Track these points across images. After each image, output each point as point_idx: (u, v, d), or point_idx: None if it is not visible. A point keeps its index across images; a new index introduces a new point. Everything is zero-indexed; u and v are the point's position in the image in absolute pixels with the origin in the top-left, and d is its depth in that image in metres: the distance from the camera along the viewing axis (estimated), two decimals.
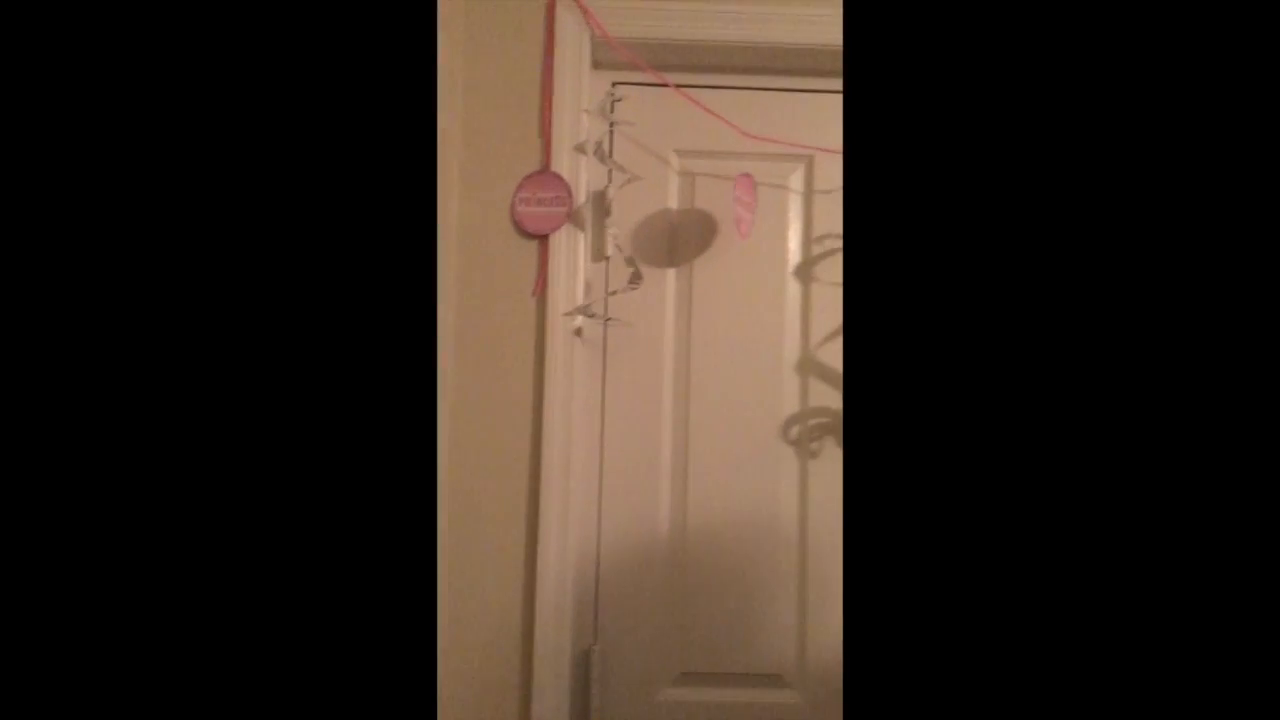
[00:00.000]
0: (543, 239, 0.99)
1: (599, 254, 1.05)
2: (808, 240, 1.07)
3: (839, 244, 1.06)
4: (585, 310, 0.99)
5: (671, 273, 1.07)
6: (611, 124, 1.05)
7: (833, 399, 1.06)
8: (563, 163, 0.99)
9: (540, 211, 0.98)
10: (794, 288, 1.07)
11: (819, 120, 1.07)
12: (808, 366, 1.06)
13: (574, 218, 0.99)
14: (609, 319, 1.04)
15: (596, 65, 1.04)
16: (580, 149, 1.00)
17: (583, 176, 1.01)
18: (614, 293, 1.04)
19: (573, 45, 0.99)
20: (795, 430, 1.05)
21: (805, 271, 1.07)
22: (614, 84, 1.05)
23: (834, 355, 1.06)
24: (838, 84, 1.07)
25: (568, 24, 0.99)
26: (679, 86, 1.03)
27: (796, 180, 1.07)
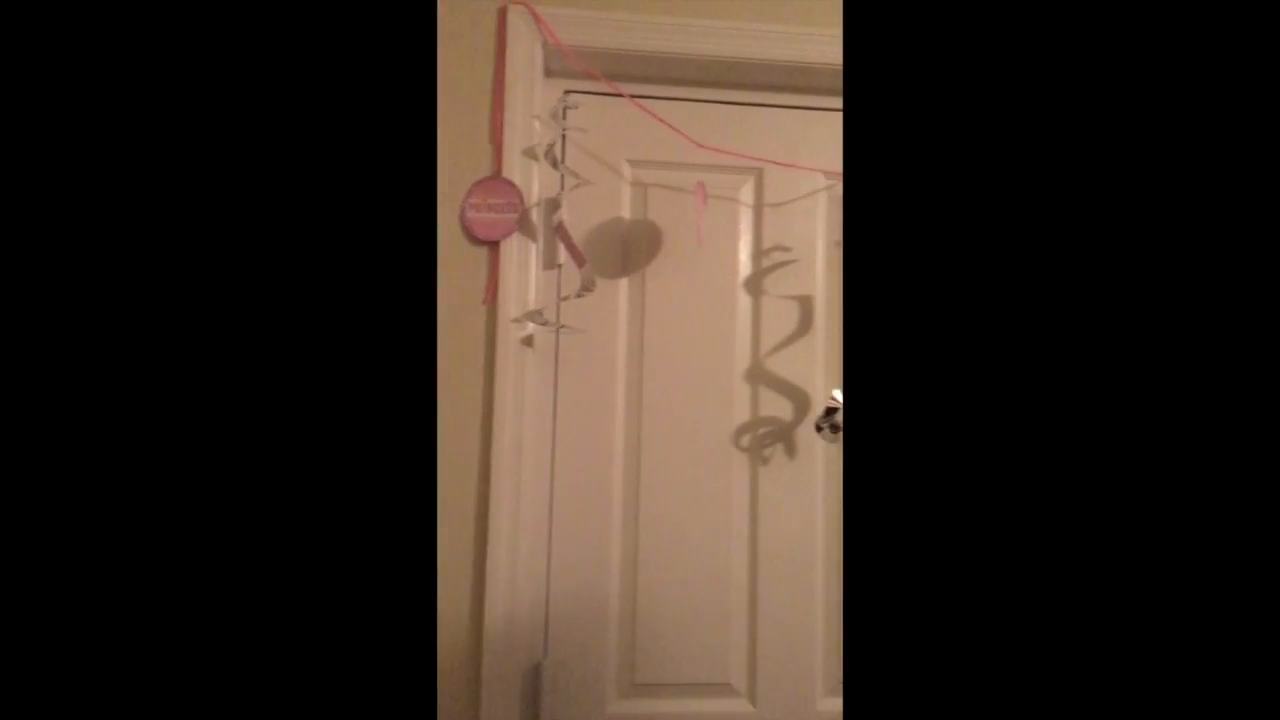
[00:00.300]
0: (493, 245, 0.97)
1: (550, 262, 1.04)
2: (758, 252, 1.09)
3: (788, 257, 1.09)
4: (536, 317, 0.98)
5: (624, 282, 1.07)
6: (564, 131, 1.04)
7: (782, 408, 1.07)
8: (514, 170, 0.98)
9: (490, 218, 0.97)
10: (744, 299, 1.08)
11: (769, 134, 1.09)
12: (758, 376, 1.07)
13: (525, 225, 0.98)
14: (561, 326, 1.03)
15: (549, 73, 1.03)
16: (531, 154, 0.99)
17: (534, 184, 1.00)
18: (566, 298, 1.03)
19: (524, 52, 0.98)
20: (747, 439, 1.06)
21: (755, 283, 1.08)
22: (566, 92, 1.04)
23: (782, 365, 1.07)
24: (788, 98, 1.09)
25: (519, 30, 0.98)
26: (632, 96, 1.03)
27: (746, 193, 1.09)
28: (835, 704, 1.04)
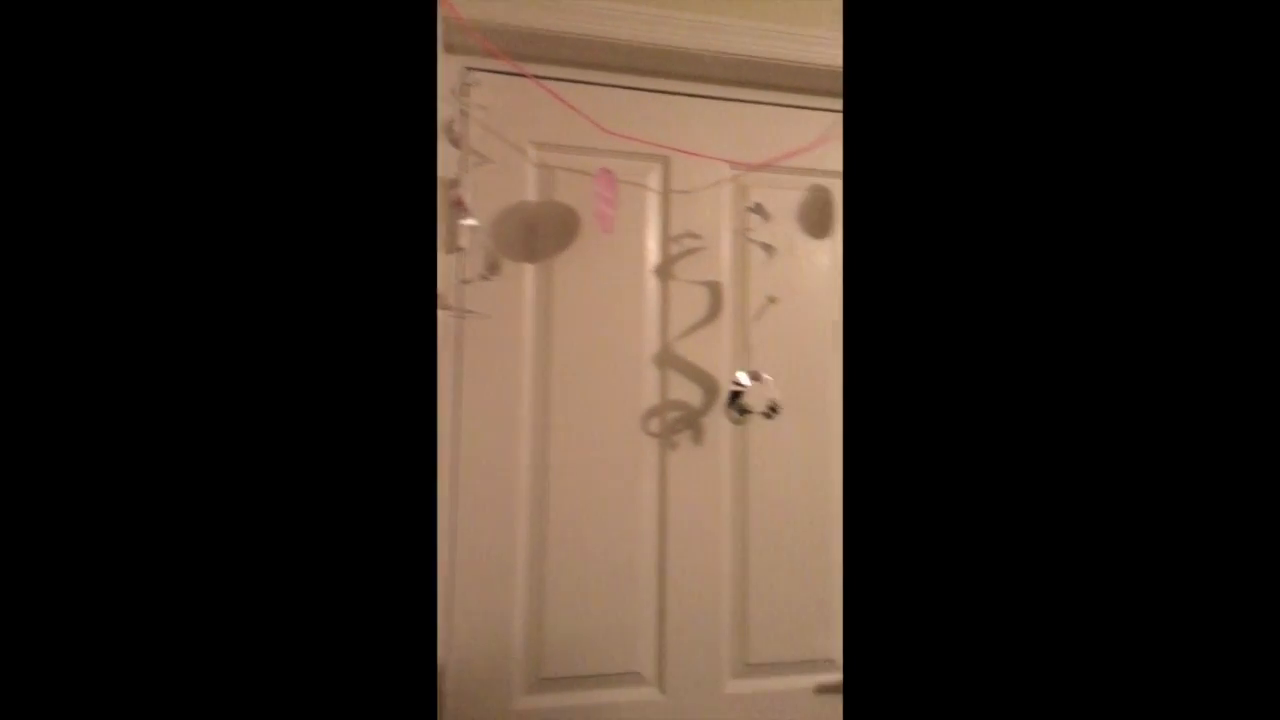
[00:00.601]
0: None
1: (451, 245, 1.01)
2: (665, 238, 1.09)
3: (697, 244, 1.09)
4: (439, 301, 0.94)
5: (530, 267, 1.04)
6: (464, 109, 1.01)
7: (690, 393, 1.07)
8: None
9: None
10: (653, 284, 1.08)
11: (676, 121, 1.10)
12: (667, 361, 1.07)
13: None
14: (467, 311, 0.99)
15: (450, 48, 1.00)
16: None
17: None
18: (468, 281, 0.99)
19: None
20: (655, 423, 1.06)
21: (665, 269, 1.08)
22: (468, 69, 1.02)
23: (690, 350, 1.08)
24: (693, 87, 1.10)
25: None
26: (536, 77, 1.02)
27: (654, 180, 1.09)
28: (741, 686, 1.04)
